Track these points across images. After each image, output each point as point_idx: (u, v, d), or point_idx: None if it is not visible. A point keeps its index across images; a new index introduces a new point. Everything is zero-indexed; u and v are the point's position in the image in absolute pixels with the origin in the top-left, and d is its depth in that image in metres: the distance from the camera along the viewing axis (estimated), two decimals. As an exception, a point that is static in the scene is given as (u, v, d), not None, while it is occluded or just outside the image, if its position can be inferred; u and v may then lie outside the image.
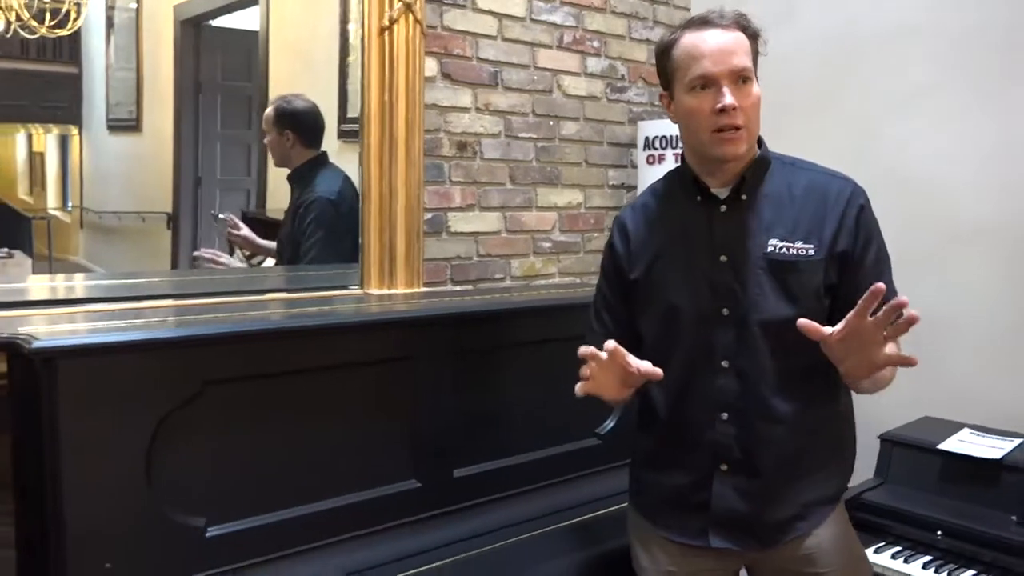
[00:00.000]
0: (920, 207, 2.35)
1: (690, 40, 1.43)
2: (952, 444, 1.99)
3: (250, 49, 3.62)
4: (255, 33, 3.58)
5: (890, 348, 1.27)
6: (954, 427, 2.09)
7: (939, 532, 1.83)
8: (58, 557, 1.36)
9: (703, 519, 1.48)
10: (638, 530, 1.62)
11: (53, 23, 3.92)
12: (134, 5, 4.41)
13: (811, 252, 1.43)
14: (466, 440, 1.86)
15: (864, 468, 2.13)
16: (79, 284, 3.08)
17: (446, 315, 1.88)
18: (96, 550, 1.38)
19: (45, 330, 1.43)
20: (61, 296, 2.37)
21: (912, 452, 2.05)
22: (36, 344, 1.32)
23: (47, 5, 3.90)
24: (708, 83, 1.40)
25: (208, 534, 1.50)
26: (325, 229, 2.36)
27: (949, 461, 1.97)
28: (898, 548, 1.85)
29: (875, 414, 2.18)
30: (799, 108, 2.58)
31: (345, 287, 2.13)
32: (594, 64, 2.60)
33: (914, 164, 2.36)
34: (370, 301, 2.04)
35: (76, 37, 4.42)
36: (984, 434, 2.03)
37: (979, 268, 2.26)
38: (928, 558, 1.80)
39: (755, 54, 1.46)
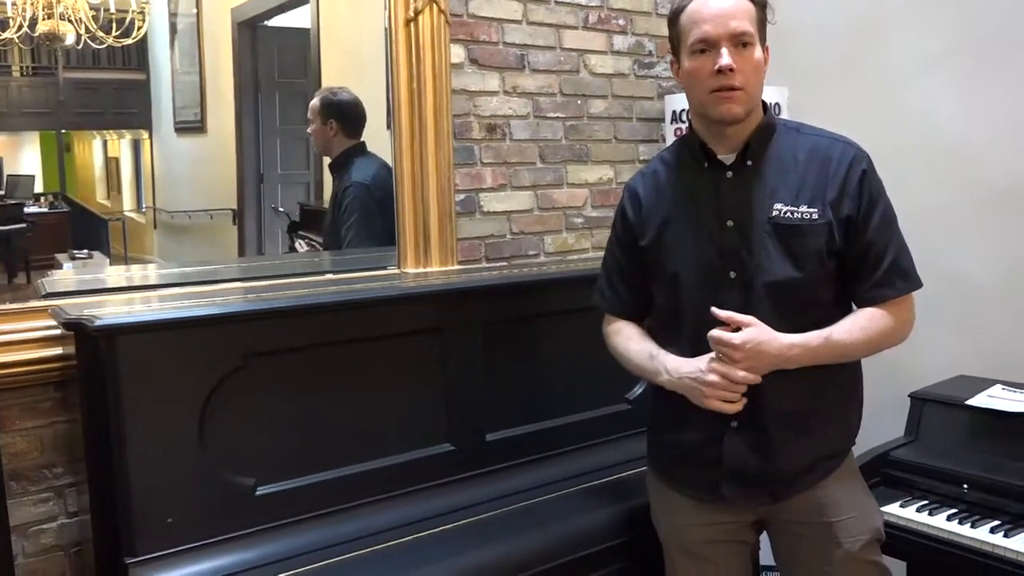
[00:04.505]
0: (951, 171, 2.33)
1: (694, 6, 1.49)
2: (981, 400, 1.99)
3: (303, 46, 3.77)
4: (307, 31, 3.73)
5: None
6: (987, 384, 2.08)
7: (965, 486, 1.84)
8: (126, 513, 1.51)
9: (715, 473, 1.54)
10: (655, 488, 1.70)
11: (119, 33, 4.17)
12: (194, 10, 4.64)
13: (815, 216, 1.48)
14: (498, 406, 1.94)
15: (896, 426, 2.15)
16: (150, 272, 3.32)
17: (472, 288, 1.97)
18: (158, 506, 1.53)
19: (110, 311, 1.58)
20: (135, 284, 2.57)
21: (941, 409, 2.05)
22: (98, 323, 1.47)
23: (113, 15, 4.16)
24: (708, 46, 1.46)
25: (258, 492, 1.63)
26: (359, 212, 2.48)
27: (978, 416, 1.96)
28: (924, 502, 1.87)
29: (912, 374, 2.19)
30: (826, 76, 2.58)
31: (384, 267, 2.26)
32: (620, 42, 2.64)
33: (943, 129, 2.34)
34: (405, 279, 2.16)
35: (143, 44, 4.67)
36: (1015, 389, 2.02)
37: (1012, 229, 2.24)
38: (953, 510, 1.81)
39: (761, 22, 1.50)
